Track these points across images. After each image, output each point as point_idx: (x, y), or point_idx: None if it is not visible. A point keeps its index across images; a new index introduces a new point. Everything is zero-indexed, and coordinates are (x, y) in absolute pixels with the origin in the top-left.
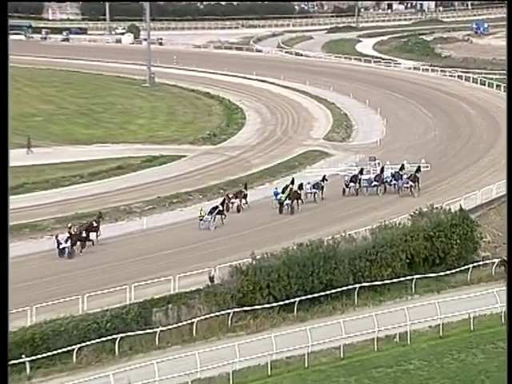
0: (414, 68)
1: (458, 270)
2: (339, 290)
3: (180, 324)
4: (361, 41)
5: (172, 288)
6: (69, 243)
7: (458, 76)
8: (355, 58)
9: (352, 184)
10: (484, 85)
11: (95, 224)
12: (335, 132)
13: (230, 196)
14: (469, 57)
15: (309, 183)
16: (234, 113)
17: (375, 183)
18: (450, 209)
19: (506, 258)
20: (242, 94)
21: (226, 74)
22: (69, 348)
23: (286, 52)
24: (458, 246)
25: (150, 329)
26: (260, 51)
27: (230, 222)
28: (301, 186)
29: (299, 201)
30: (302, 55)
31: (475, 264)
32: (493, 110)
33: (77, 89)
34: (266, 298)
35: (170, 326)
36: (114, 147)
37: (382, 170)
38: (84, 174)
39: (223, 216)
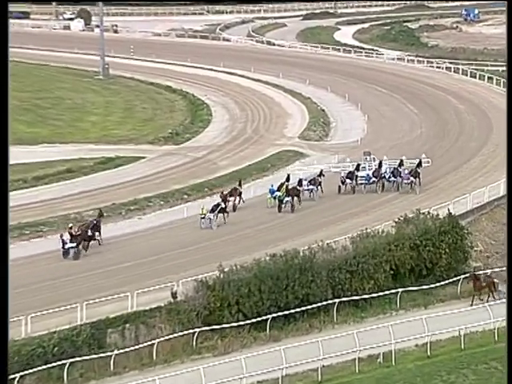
0: (398, 59)
1: (447, 282)
2: (316, 305)
3: (138, 346)
4: (339, 29)
5: (129, 306)
6: (74, 243)
7: (446, 67)
8: (333, 48)
9: (348, 181)
10: (474, 77)
11: (95, 222)
12: (311, 130)
13: (225, 193)
14: (458, 46)
15: (305, 179)
16: (198, 109)
17: (373, 180)
18: (438, 214)
19: (476, 274)
20: (208, 87)
21: (189, 66)
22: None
23: (257, 41)
24: (447, 255)
25: (103, 352)
26: (228, 40)
27: (221, 223)
28: (300, 183)
29: (299, 198)
30: (274, 45)
31: (466, 275)
32: (484, 104)
33: (18, 81)
34: (235, 316)
35: (127, 349)
36: (62, 148)
37: (380, 164)
38: (27, 179)
39: (226, 214)
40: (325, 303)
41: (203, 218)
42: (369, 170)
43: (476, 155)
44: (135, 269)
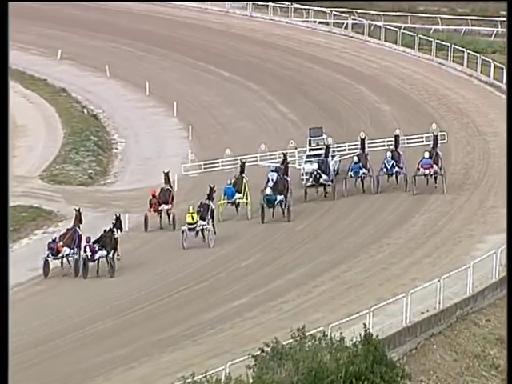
0: (256, 6)
1: None
2: None
3: None
4: None
5: None
6: (104, 252)
7: (355, 25)
8: None
9: (324, 177)
10: (410, 47)
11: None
12: (70, 162)
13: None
14: None
15: (272, 171)
16: None
17: (363, 172)
18: (342, 338)
19: None
20: None
21: None
22: None
23: None
24: None
25: None
26: None
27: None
28: (286, 171)
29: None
30: None
31: None
32: (420, 93)
33: None
34: None
35: None
36: None
37: (328, 151)
38: None
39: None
40: None
41: (191, 228)
42: (317, 161)
43: (418, 211)
44: None
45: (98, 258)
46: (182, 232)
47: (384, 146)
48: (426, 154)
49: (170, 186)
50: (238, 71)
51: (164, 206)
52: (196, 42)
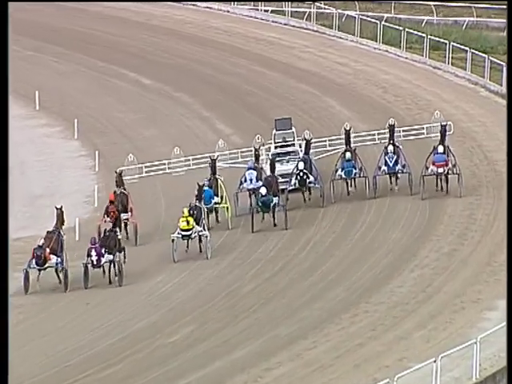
0: None
1: None
2: None
3: None
4: None
5: None
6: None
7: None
8: None
9: (312, 179)
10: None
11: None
12: None
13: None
14: None
15: (250, 168)
16: None
17: (355, 172)
18: None
19: None
20: None
21: None
22: None
23: None
24: None
25: None
26: None
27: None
28: (272, 165)
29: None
30: None
31: None
32: (408, 107)
33: None
34: None
35: None
36: None
37: (308, 147)
38: None
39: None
40: None
41: (186, 235)
42: (302, 159)
43: (406, 267)
44: None
45: (104, 264)
46: (172, 241)
47: (375, 140)
48: (440, 148)
49: (125, 188)
50: (163, 78)
51: (123, 216)
52: (105, 38)
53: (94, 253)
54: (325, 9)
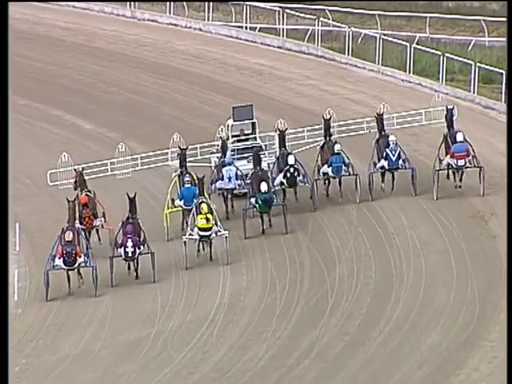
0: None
1: None
2: None
3: None
4: None
5: None
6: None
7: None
8: None
9: (300, 177)
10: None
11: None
12: None
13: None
14: None
15: (228, 164)
16: None
17: (344, 169)
18: None
19: None
20: None
21: None
22: None
23: None
24: None
25: None
26: None
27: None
28: (258, 159)
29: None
30: None
31: None
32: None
33: None
34: None
35: None
36: None
37: (283, 139)
38: None
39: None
40: None
41: (205, 236)
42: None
43: None
44: None
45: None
46: (184, 243)
47: (358, 130)
48: (459, 136)
49: (89, 190)
50: (110, 121)
51: (97, 222)
52: (28, 66)
53: (130, 243)
54: (334, 26)
